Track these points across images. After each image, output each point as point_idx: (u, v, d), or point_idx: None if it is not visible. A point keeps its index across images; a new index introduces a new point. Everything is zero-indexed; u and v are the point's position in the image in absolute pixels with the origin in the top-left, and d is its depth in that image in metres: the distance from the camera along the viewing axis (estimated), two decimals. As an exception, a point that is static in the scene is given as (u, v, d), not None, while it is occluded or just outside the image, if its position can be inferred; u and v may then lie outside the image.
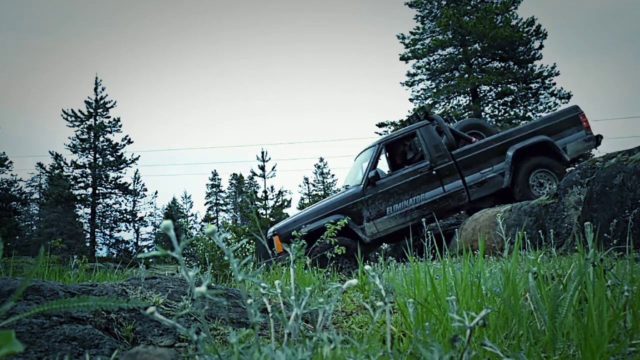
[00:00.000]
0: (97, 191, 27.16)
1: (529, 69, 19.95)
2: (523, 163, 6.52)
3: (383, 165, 7.62)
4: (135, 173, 34.55)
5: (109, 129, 27.60)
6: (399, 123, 20.26)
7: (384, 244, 7.24)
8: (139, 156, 28.42)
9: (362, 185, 6.47)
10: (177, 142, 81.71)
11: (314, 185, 41.91)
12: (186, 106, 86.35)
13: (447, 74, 21.22)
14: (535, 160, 6.53)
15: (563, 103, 20.02)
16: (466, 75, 20.35)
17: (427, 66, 21.51)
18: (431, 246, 3.03)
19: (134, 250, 29.80)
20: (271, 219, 20.11)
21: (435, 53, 21.21)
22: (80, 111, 27.26)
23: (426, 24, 21.92)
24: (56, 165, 26.50)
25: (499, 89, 20.16)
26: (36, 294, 1.73)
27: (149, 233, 37.48)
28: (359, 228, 6.20)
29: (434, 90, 21.51)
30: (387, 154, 7.19)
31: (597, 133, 6.85)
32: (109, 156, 27.56)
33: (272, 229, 6.39)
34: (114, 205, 28.20)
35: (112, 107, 27.79)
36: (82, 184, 26.91)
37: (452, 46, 20.74)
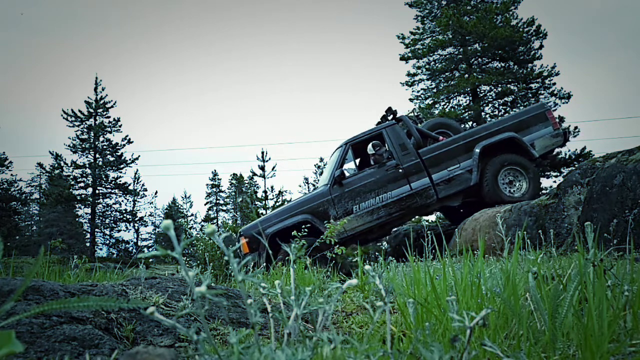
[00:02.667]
0: (97, 191, 27.14)
1: (529, 69, 19.92)
2: (491, 160, 6.53)
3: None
4: (135, 173, 34.53)
5: (109, 129, 27.58)
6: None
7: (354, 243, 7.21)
8: (139, 156, 28.42)
9: (328, 185, 6.48)
10: (177, 142, 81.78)
11: (313, 185, 41.90)
12: (186, 106, 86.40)
13: (447, 74, 21.19)
14: (502, 156, 6.55)
15: (563, 103, 20.01)
16: (466, 75, 20.33)
17: (427, 66, 21.48)
18: (431, 246, 3.04)
19: (134, 250, 29.78)
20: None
21: (435, 53, 21.17)
22: (80, 111, 27.25)
23: (426, 24, 21.89)
24: (56, 165, 26.47)
25: (499, 89, 20.13)
26: (36, 294, 1.73)
27: (149, 233, 37.48)
28: (326, 227, 6.21)
29: (434, 90, 21.48)
30: (355, 153, 7.16)
31: (565, 128, 6.91)
32: (109, 156, 27.54)
33: (240, 230, 6.38)
34: (114, 205, 28.19)
35: (112, 107, 27.76)
36: (82, 184, 26.89)
37: (452, 46, 20.71)
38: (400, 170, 6.46)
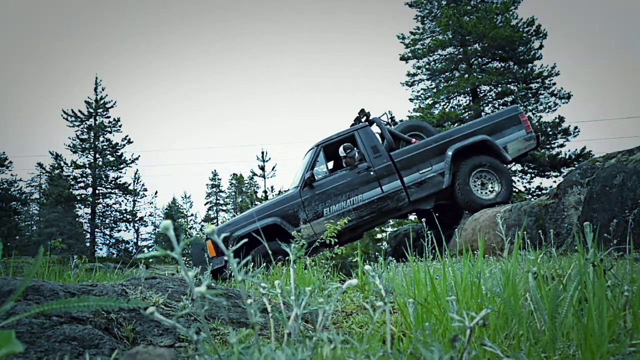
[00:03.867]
0: (97, 191, 27.14)
1: (529, 69, 19.91)
2: (463, 162, 6.50)
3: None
4: (135, 173, 34.51)
5: (109, 129, 27.59)
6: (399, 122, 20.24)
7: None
8: (139, 156, 28.42)
9: (299, 187, 6.38)
10: (177, 142, 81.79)
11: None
12: (186, 106, 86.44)
13: (447, 74, 21.17)
14: (475, 159, 6.52)
15: (563, 103, 20.01)
16: (466, 75, 20.32)
17: (427, 66, 21.47)
18: (431, 246, 3.04)
19: (134, 250, 29.78)
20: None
21: (435, 53, 21.16)
22: (80, 111, 27.25)
23: (426, 24, 21.89)
24: (56, 165, 26.48)
25: (499, 89, 20.12)
26: (36, 294, 1.73)
27: (149, 233, 37.44)
28: (295, 231, 6.06)
29: (434, 90, 21.47)
30: (327, 156, 7.05)
31: (537, 132, 6.91)
32: (109, 156, 27.54)
33: (206, 232, 6.24)
34: (114, 205, 28.19)
35: (112, 107, 27.77)
36: (82, 184, 26.89)
37: (452, 46, 20.70)
38: (372, 173, 6.39)
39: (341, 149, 6.63)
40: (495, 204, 6.31)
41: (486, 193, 6.55)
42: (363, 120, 7.40)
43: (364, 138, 6.61)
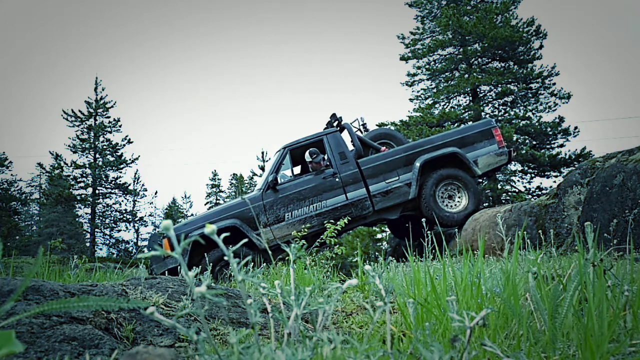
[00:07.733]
0: (97, 191, 27.14)
1: (529, 69, 19.90)
2: (431, 174, 6.42)
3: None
4: (135, 173, 34.50)
5: (109, 129, 27.58)
6: (398, 123, 20.24)
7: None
8: (139, 156, 28.41)
9: (261, 190, 6.27)
10: (177, 142, 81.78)
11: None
12: (186, 106, 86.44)
13: (447, 74, 21.17)
14: (443, 171, 6.43)
15: (563, 103, 20.00)
16: (466, 75, 20.31)
17: (427, 66, 21.47)
18: (431, 246, 3.04)
19: (134, 250, 29.77)
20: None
21: (435, 53, 21.17)
22: (80, 111, 27.25)
23: (426, 24, 21.90)
24: (56, 165, 26.47)
25: (499, 89, 20.11)
26: (36, 294, 1.73)
27: (149, 233, 37.43)
28: (254, 234, 5.96)
29: (434, 90, 21.47)
30: (295, 159, 6.92)
31: (510, 147, 6.83)
32: (109, 156, 27.54)
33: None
34: (114, 205, 28.18)
35: (112, 107, 27.77)
36: (82, 184, 26.88)
37: (452, 46, 20.71)
38: (337, 179, 6.30)
39: (307, 153, 6.51)
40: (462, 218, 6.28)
41: (452, 206, 6.47)
42: (334, 125, 7.32)
43: (332, 143, 6.51)
